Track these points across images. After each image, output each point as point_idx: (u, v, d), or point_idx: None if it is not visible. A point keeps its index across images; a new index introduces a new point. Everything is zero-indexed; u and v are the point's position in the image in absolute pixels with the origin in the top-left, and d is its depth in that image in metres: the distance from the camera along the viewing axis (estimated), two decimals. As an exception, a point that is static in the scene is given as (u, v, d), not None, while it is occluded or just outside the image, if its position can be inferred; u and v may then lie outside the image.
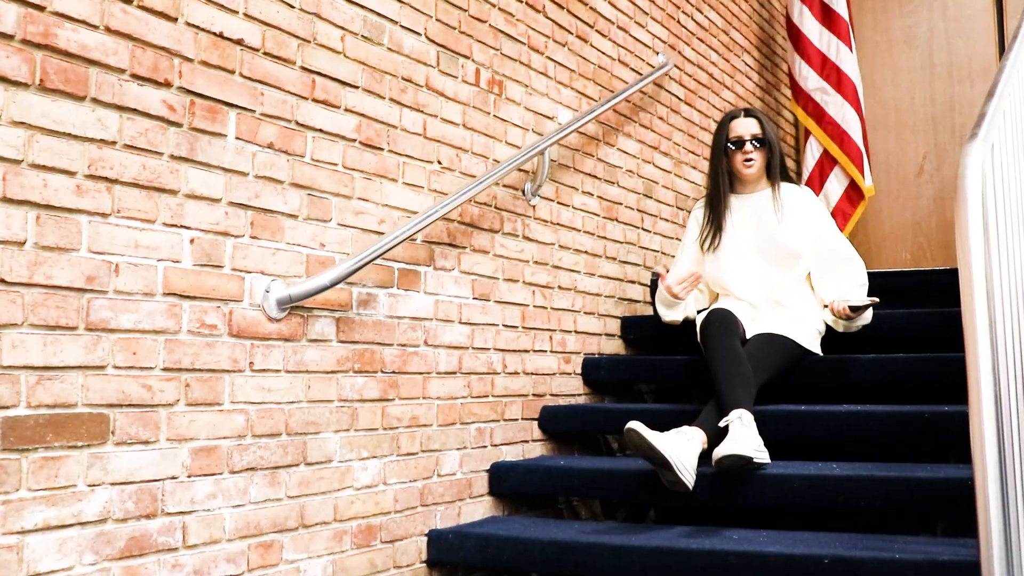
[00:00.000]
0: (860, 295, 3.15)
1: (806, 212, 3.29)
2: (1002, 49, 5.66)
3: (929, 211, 5.83)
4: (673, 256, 4.12)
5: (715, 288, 3.34)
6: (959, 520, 2.56)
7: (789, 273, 3.23)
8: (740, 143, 3.28)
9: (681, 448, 2.52)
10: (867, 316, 3.09)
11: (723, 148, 3.32)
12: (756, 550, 2.28)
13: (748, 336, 3.04)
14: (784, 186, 3.33)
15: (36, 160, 1.72)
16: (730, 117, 3.34)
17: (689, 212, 4.31)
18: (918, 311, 3.30)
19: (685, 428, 2.63)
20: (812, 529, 2.54)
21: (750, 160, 3.28)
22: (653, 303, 3.85)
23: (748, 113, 3.34)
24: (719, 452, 2.51)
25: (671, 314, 3.27)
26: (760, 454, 2.57)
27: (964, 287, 1.71)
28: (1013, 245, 2.03)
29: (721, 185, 3.33)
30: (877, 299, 3.03)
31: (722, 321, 2.94)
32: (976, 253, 1.70)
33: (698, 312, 3.27)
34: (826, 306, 3.14)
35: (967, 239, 1.70)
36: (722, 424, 2.62)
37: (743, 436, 2.56)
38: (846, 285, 3.17)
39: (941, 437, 2.69)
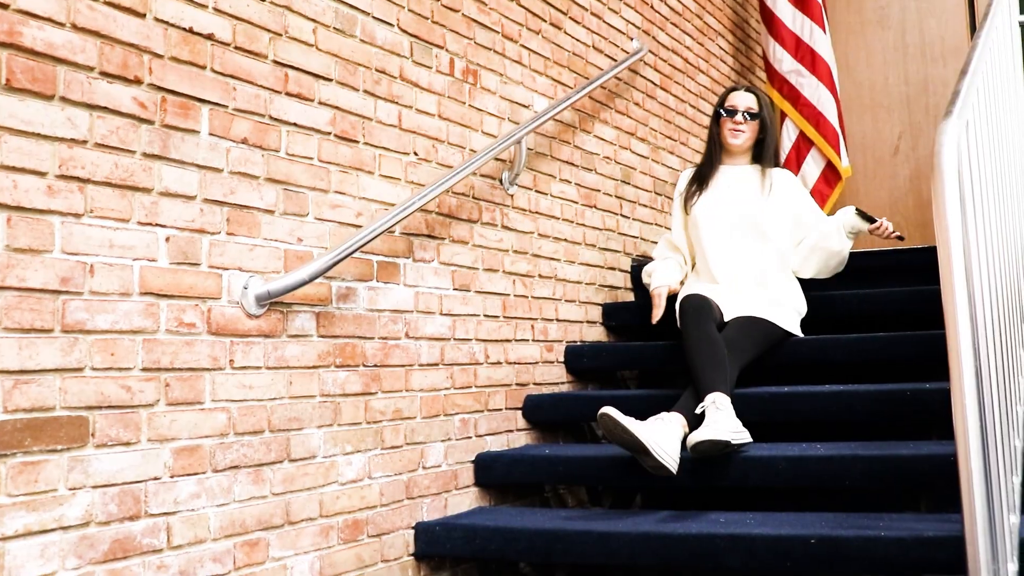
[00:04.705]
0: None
1: (790, 195, 3.36)
2: (973, 28, 5.68)
3: (905, 190, 5.86)
4: (652, 242, 4.13)
5: (696, 255, 3.39)
6: (943, 496, 2.58)
7: (765, 250, 3.25)
8: (733, 112, 3.38)
9: (659, 433, 2.53)
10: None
11: (717, 115, 3.43)
12: (743, 532, 2.28)
13: (727, 319, 3.05)
14: (773, 169, 3.42)
15: (5, 161, 1.69)
16: (731, 88, 3.47)
17: (671, 197, 4.32)
18: (897, 290, 3.32)
19: (663, 414, 2.63)
20: (797, 509, 2.55)
21: (738, 130, 3.36)
22: (635, 287, 3.86)
23: (750, 89, 3.45)
24: (693, 439, 2.51)
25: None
26: (738, 435, 2.58)
27: (943, 262, 1.71)
28: (990, 220, 2.04)
29: (713, 150, 3.45)
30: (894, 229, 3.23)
31: (697, 307, 2.95)
32: (954, 229, 1.70)
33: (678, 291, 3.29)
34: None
35: (945, 215, 1.70)
36: (697, 411, 2.63)
37: (718, 421, 2.56)
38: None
39: (923, 414, 2.70)
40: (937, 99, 5.76)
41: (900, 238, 3.25)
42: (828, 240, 3.28)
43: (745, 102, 3.38)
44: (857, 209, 3.25)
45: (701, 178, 3.42)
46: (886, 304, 3.31)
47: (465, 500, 2.85)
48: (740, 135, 3.37)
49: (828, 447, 2.61)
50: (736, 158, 3.43)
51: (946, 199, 1.73)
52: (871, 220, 3.22)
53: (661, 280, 3.28)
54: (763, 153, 3.40)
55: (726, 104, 3.40)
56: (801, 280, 3.34)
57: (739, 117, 3.36)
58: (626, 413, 2.52)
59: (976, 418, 1.70)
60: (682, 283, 3.34)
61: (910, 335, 3.02)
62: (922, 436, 2.81)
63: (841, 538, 2.18)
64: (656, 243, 4.11)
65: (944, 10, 5.78)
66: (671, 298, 3.26)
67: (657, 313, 3.20)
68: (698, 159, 4.36)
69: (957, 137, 1.79)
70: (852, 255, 3.38)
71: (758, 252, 3.26)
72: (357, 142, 2.53)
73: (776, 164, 3.49)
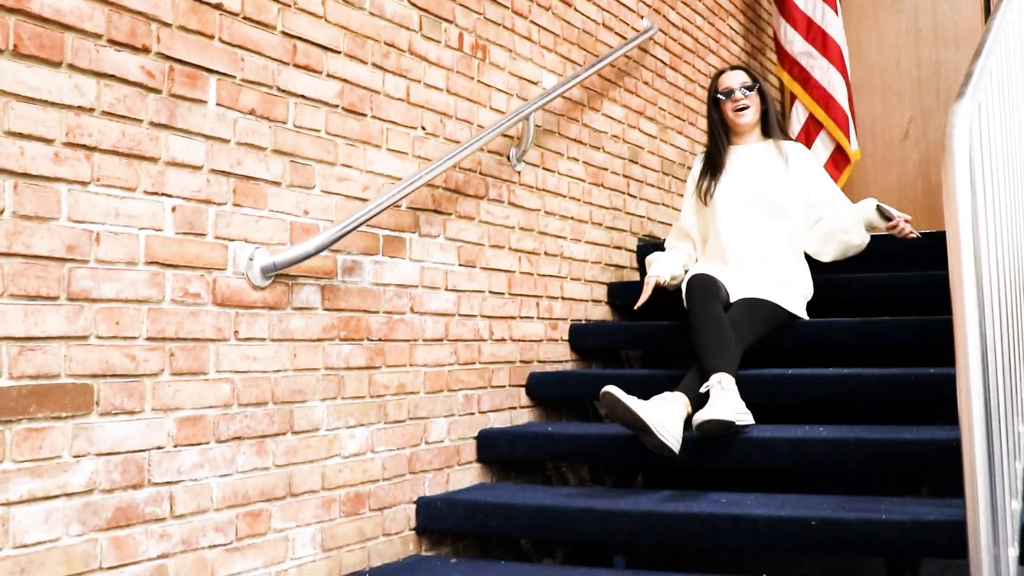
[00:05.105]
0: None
1: (806, 173, 3.34)
2: (987, 12, 5.63)
3: (914, 175, 5.83)
4: (659, 221, 4.12)
5: (709, 237, 3.35)
6: (945, 481, 2.58)
7: (780, 227, 3.24)
8: (729, 92, 3.34)
9: (661, 412, 2.52)
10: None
11: (714, 101, 3.38)
12: (744, 513, 2.29)
13: (732, 300, 3.04)
14: (786, 143, 3.39)
15: (12, 128, 1.68)
16: (719, 72, 3.43)
17: (678, 178, 4.31)
18: (904, 274, 3.31)
19: (666, 394, 2.63)
20: (799, 492, 2.55)
21: (742, 108, 3.33)
22: (641, 267, 3.85)
23: (737, 67, 3.43)
24: (699, 418, 2.51)
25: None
26: (742, 416, 2.58)
27: (951, 247, 1.70)
28: (1000, 204, 2.03)
29: (718, 137, 3.39)
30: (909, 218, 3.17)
31: (704, 286, 2.94)
32: (963, 211, 1.69)
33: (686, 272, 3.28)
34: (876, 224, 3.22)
35: (954, 198, 1.69)
36: (702, 390, 2.63)
37: (723, 401, 2.56)
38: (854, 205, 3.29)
39: (927, 399, 2.70)
40: (949, 83, 5.72)
41: (917, 238, 3.17)
42: (848, 234, 3.24)
43: (738, 79, 3.35)
44: (877, 205, 3.20)
45: (714, 166, 3.37)
46: (893, 288, 3.30)
47: (467, 476, 2.86)
48: (746, 112, 3.33)
49: (831, 430, 2.61)
50: (745, 137, 3.39)
51: (956, 182, 1.71)
52: (888, 218, 3.16)
53: (655, 271, 3.26)
54: (769, 125, 3.38)
55: (720, 88, 3.36)
56: (810, 262, 3.33)
57: (738, 94, 3.32)
58: (629, 392, 2.52)
59: (981, 404, 1.70)
60: (686, 270, 3.31)
61: (916, 320, 3.01)
62: (925, 421, 2.81)
63: (842, 520, 2.18)
64: (664, 223, 4.11)
65: (958, -7, 5.74)
66: (667, 290, 3.26)
67: (641, 300, 3.18)
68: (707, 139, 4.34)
69: (969, 119, 1.77)
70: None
71: (771, 231, 3.24)
72: (365, 115, 2.52)
73: (786, 135, 3.46)
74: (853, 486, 2.71)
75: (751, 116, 3.34)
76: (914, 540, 2.10)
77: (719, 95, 3.36)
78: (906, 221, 3.14)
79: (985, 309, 1.74)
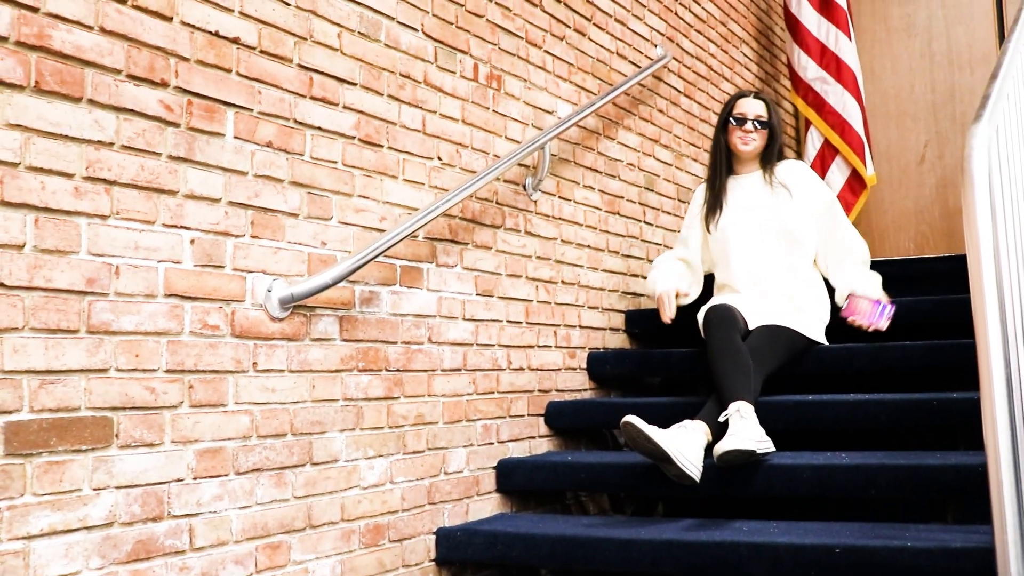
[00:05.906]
0: (864, 275, 3.16)
1: (808, 192, 3.28)
2: (1002, 35, 5.64)
3: (931, 199, 5.81)
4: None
5: (718, 269, 3.34)
6: (970, 507, 2.55)
7: (792, 254, 3.21)
8: (742, 120, 3.28)
9: (681, 441, 2.51)
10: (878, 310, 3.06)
11: (724, 123, 3.33)
12: (767, 541, 2.26)
13: (751, 328, 3.02)
14: (778, 166, 3.31)
15: (33, 163, 1.70)
16: (739, 95, 3.36)
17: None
18: (923, 299, 3.29)
19: (686, 422, 2.62)
20: (822, 519, 2.53)
21: (749, 139, 3.27)
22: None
23: (757, 96, 3.35)
24: (719, 449, 2.49)
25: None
26: (763, 444, 2.55)
27: (973, 269, 1.69)
28: (1020, 226, 2.01)
29: (719, 164, 3.34)
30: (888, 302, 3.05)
31: (722, 316, 2.92)
32: (984, 233, 1.68)
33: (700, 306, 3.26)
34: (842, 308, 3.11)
35: (975, 219, 1.68)
36: (721, 419, 2.61)
37: (743, 430, 2.54)
38: (851, 270, 3.18)
39: (950, 424, 2.67)
40: (964, 107, 5.71)
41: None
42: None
43: (755, 110, 3.28)
44: (848, 294, 3.11)
45: (716, 195, 3.33)
46: (911, 313, 3.27)
47: (487, 506, 2.84)
48: (750, 143, 3.27)
49: (853, 456, 2.58)
50: (746, 164, 3.34)
51: (976, 204, 1.71)
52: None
53: (669, 284, 3.23)
54: (770, 157, 3.31)
55: (735, 112, 3.29)
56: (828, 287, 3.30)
57: (749, 126, 3.26)
58: (649, 421, 2.50)
59: (1007, 428, 1.68)
60: (703, 299, 3.28)
61: (937, 344, 2.98)
62: (949, 446, 2.78)
63: (867, 548, 2.15)
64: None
65: (971, 17, 5.74)
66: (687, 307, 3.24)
67: (671, 312, 3.14)
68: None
69: (987, 141, 1.77)
70: (879, 263, 3.35)
71: (782, 257, 3.22)
72: (381, 146, 2.53)
73: (780, 157, 3.35)
74: (877, 513, 2.68)
75: (754, 147, 3.28)
76: (940, 568, 2.07)
77: (731, 118, 3.30)
78: (882, 305, 3.03)
79: (1008, 332, 1.72)
